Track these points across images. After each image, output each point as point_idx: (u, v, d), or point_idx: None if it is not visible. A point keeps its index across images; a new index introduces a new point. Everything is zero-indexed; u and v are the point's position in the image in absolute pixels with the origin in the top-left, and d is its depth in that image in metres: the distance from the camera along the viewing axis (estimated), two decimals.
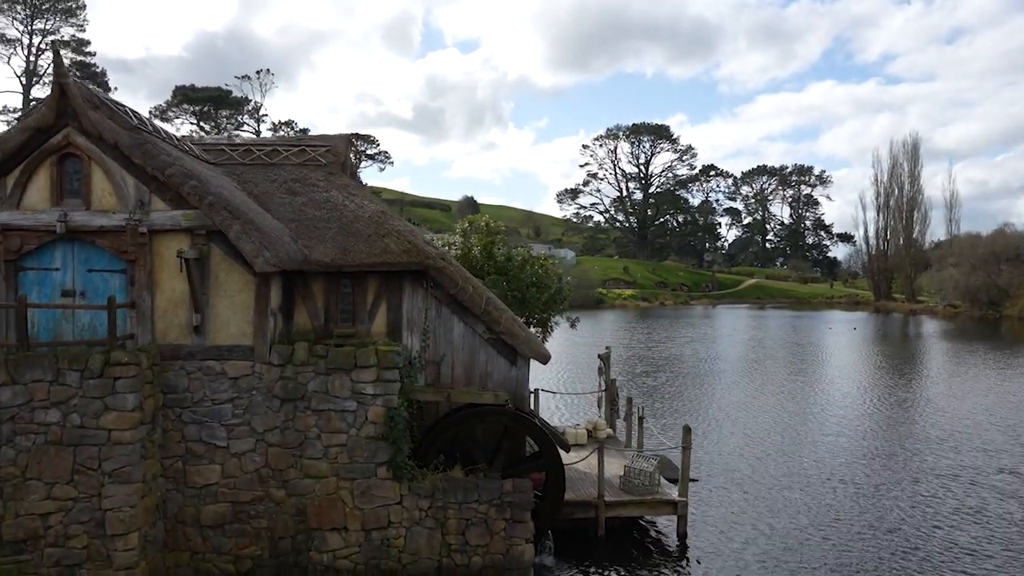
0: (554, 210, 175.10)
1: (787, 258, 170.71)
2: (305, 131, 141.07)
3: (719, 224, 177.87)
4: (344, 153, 15.72)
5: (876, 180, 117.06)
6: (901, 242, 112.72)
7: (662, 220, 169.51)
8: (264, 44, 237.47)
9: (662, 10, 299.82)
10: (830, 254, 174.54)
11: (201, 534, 12.11)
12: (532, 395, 20.53)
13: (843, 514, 16.51)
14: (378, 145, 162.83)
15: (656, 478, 15.33)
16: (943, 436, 24.25)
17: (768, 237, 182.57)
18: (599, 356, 22.18)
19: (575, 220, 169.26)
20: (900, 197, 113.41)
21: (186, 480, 12.08)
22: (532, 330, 21.80)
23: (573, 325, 23.14)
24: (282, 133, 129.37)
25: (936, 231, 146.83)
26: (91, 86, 12.81)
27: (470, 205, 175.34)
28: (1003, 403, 30.25)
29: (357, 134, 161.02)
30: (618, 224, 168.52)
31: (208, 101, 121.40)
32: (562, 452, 14.96)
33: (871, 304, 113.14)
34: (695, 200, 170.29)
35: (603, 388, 21.59)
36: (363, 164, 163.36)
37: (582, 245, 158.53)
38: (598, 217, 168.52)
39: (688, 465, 15.10)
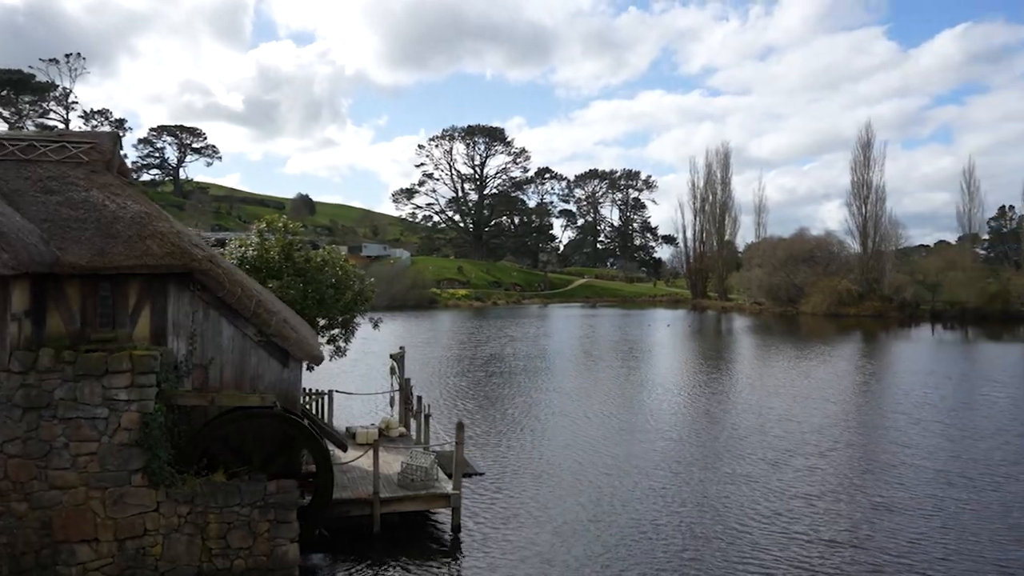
0: (393, 209, 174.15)
1: (616, 259, 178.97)
2: (122, 121, 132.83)
3: (552, 225, 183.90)
4: (111, 151, 15.10)
5: (693, 186, 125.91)
6: (715, 244, 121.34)
7: (497, 221, 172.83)
8: (74, 24, 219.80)
9: (499, 13, 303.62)
10: (656, 255, 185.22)
11: None
12: (327, 396, 20.61)
13: (619, 510, 17.29)
14: (205, 139, 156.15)
15: (433, 473, 15.85)
16: (720, 432, 26.47)
17: (600, 239, 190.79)
18: (391, 356, 22.52)
19: (411, 220, 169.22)
20: (714, 202, 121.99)
21: None
22: (335, 331, 21.90)
23: (376, 326, 23.42)
24: (95, 122, 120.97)
25: (748, 234, 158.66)
26: None
27: (305, 203, 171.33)
28: (773, 395, 33.37)
29: (182, 126, 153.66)
30: (454, 224, 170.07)
31: (7, 85, 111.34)
32: (338, 451, 15.25)
33: (689, 302, 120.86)
34: (531, 202, 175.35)
35: (396, 388, 21.95)
36: (189, 158, 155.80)
37: (419, 245, 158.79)
38: (436, 217, 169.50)
39: (461, 460, 15.73)
